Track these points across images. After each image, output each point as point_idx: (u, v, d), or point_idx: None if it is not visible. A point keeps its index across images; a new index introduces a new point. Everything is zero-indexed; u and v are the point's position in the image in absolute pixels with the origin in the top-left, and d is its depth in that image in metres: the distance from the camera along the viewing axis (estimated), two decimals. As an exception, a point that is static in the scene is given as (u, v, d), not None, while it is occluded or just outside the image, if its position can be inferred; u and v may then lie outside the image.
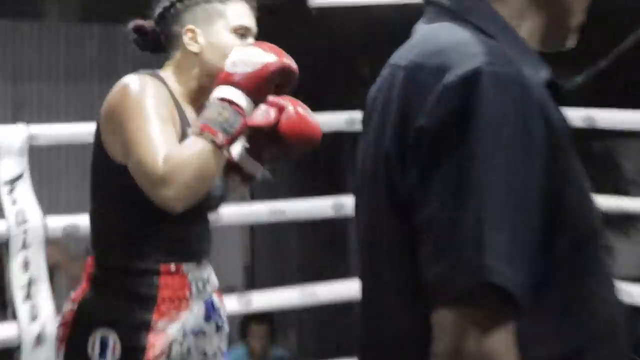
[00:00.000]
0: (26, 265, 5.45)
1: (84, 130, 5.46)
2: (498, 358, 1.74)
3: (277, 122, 3.80)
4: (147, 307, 3.56)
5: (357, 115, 5.99)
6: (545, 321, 1.88)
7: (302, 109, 3.82)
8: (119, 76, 4.95)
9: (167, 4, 3.67)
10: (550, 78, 1.96)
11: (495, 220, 1.76)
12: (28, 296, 5.45)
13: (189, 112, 3.59)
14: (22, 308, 5.40)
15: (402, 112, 1.86)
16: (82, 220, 5.28)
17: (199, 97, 3.61)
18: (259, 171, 3.90)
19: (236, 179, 3.90)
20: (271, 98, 3.69)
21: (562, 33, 2.08)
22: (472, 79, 1.76)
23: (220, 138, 3.32)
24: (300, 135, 3.85)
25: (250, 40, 3.68)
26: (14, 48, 10.02)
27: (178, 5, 3.66)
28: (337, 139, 7.59)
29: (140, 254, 3.61)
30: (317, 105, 4.33)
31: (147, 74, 3.56)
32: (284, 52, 3.54)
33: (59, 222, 5.66)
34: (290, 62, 3.51)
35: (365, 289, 2.05)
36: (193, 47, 3.58)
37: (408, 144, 1.82)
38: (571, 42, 2.10)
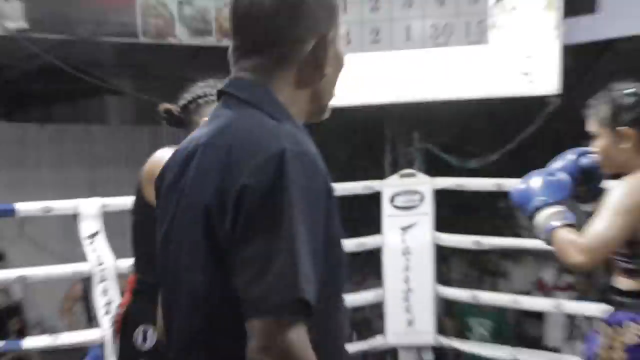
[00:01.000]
0: (105, 292, 6.24)
1: None
2: (298, 346, 2.09)
3: None
4: None
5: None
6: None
7: None
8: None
9: (190, 98, 4.12)
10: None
11: (302, 259, 2.08)
12: (107, 312, 6.16)
13: None
14: (103, 319, 6.20)
15: (223, 177, 2.14)
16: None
17: None
18: None
19: None
20: None
21: (319, 111, 2.43)
22: (282, 156, 2.08)
23: None
24: None
25: None
26: (88, 144, 11.08)
27: (199, 100, 4.11)
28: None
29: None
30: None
31: (170, 148, 3.98)
32: None
33: (126, 263, 5.98)
34: None
35: (170, 297, 2.43)
36: None
37: (228, 199, 2.11)
38: (325, 116, 2.48)
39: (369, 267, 8.60)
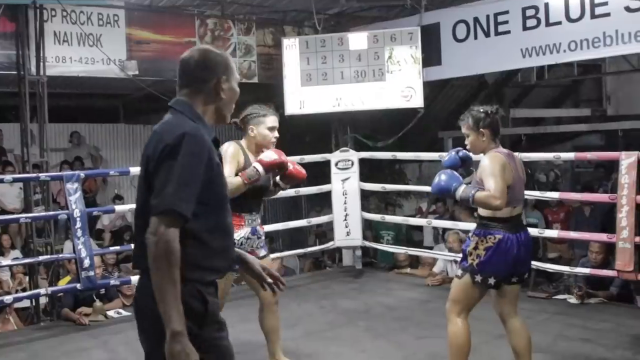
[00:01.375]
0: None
1: None
2: (170, 236, 2.20)
3: (287, 170, 4.29)
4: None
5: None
6: (198, 239, 2.33)
7: (295, 166, 4.36)
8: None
9: (243, 115, 4.33)
10: (214, 138, 2.45)
11: (182, 187, 2.24)
12: None
13: (251, 156, 4.24)
14: None
15: (156, 143, 2.32)
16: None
17: (254, 152, 4.28)
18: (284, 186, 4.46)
19: (275, 186, 4.44)
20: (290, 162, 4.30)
21: (222, 119, 2.53)
22: (184, 134, 2.29)
23: (246, 180, 4.07)
24: (295, 175, 4.36)
25: (275, 132, 4.32)
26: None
27: (247, 117, 4.32)
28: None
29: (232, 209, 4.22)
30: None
31: (234, 142, 4.31)
32: (283, 154, 4.20)
33: None
34: (283, 159, 4.16)
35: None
36: (252, 134, 4.31)
37: (156, 152, 2.29)
38: (226, 122, 2.60)
39: (325, 202, 8.71)
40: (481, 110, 3.88)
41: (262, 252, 4.43)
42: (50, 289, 6.12)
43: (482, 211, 3.88)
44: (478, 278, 3.84)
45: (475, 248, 3.86)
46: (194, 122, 2.39)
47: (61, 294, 6.26)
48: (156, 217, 2.23)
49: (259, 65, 8.48)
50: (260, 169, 4.07)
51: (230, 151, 4.17)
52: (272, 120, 4.31)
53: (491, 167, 3.73)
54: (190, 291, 2.32)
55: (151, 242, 2.22)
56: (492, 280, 3.84)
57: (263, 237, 4.47)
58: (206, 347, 2.34)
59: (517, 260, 3.83)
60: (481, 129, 3.85)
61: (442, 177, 3.88)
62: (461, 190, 3.78)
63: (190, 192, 2.28)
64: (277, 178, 4.38)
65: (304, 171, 4.42)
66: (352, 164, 7.72)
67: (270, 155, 4.12)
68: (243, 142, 4.31)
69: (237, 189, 4.01)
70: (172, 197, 2.24)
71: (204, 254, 2.37)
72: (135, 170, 6.61)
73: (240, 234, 4.19)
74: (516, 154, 4.01)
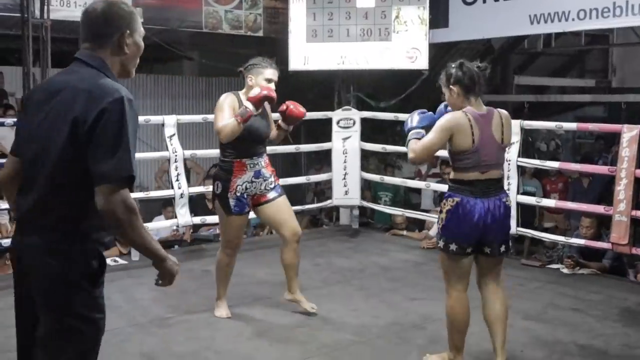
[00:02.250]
0: (176, 168, 6.56)
1: (198, 117, 7.12)
2: (129, 198, 2.24)
3: (287, 109, 4.55)
4: (230, 173, 4.50)
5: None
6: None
7: (295, 105, 4.57)
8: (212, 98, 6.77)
9: (246, 65, 4.57)
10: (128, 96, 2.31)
11: (131, 152, 2.24)
12: (177, 179, 6.54)
13: (247, 103, 4.37)
14: (175, 183, 6.56)
15: (87, 104, 2.23)
16: (201, 153, 7.18)
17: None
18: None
19: (279, 129, 4.70)
20: (289, 103, 4.57)
21: (126, 73, 2.46)
22: (123, 98, 2.26)
23: (238, 119, 4.27)
24: (295, 114, 4.55)
25: (273, 85, 4.49)
26: (171, 86, 11.24)
27: (248, 67, 4.54)
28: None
29: (229, 155, 4.51)
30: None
31: (232, 92, 4.59)
32: (270, 89, 4.39)
33: (187, 153, 6.72)
34: (266, 93, 4.34)
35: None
36: (250, 83, 4.50)
37: (90, 115, 2.20)
38: (131, 76, 2.51)
39: (325, 160, 8.78)
40: (453, 65, 3.72)
41: (273, 194, 4.64)
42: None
43: (451, 173, 3.76)
44: (441, 243, 3.72)
45: (441, 211, 3.74)
46: (110, 79, 2.36)
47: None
48: (114, 184, 2.23)
49: (264, 18, 8.41)
50: (249, 105, 4.28)
51: (226, 101, 4.43)
52: (271, 73, 4.49)
53: (437, 124, 3.62)
54: (92, 251, 2.36)
55: (114, 211, 2.23)
56: (453, 247, 3.65)
57: (271, 179, 4.63)
58: (97, 306, 2.39)
59: (478, 227, 3.60)
60: (451, 86, 3.67)
61: (411, 116, 3.82)
62: (411, 133, 3.73)
63: (133, 155, 2.29)
64: (280, 120, 4.64)
65: (303, 109, 4.59)
66: (354, 123, 7.70)
67: (255, 90, 4.34)
68: (242, 92, 4.54)
69: (232, 129, 4.28)
70: (127, 163, 2.25)
71: None
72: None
73: (243, 178, 4.47)
74: (501, 112, 3.73)
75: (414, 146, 3.65)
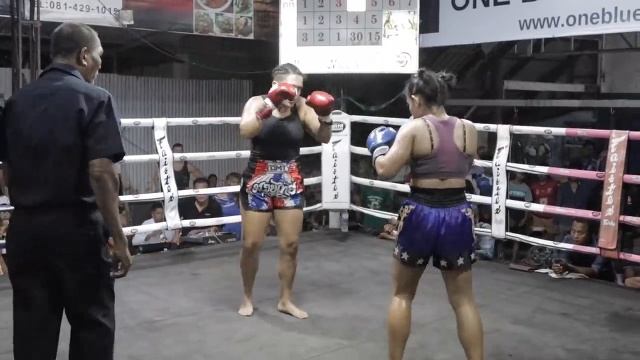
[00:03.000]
0: (166, 171, 6.49)
1: (188, 120, 7.30)
2: (115, 173, 2.76)
3: (310, 98, 4.48)
4: (252, 172, 4.65)
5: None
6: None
7: (320, 93, 4.50)
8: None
9: (273, 71, 4.69)
10: None
11: (119, 134, 2.82)
12: (167, 182, 6.48)
13: (266, 99, 4.46)
14: (165, 186, 6.52)
15: (86, 100, 2.80)
16: (190, 155, 7.35)
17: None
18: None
19: (322, 124, 4.60)
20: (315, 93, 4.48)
21: (92, 79, 3.03)
22: (108, 98, 2.85)
23: (258, 115, 4.39)
24: (315, 102, 4.46)
25: (296, 90, 4.52)
26: (162, 88, 11.02)
27: (274, 72, 4.65)
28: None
29: (254, 156, 4.67)
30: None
31: (260, 96, 4.66)
32: (288, 84, 4.44)
33: (177, 156, 6.84)
34: (284, 88, 4.39)
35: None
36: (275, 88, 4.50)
37: (92, 107, 2.78)
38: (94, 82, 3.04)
39: (314, 164, 8.62)
40: (415, 75, 3.66)
41: (290, 203, 4.74)
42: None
43: (410, 180, 3.66)
44: (396, 251, 3.63)
45: (399, 218, 3.64)
46: (87, 82, 2.99)
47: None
48: (107, 158, 2.77)
49: (255, 21, 8.37)
50: (267, 101, 4.38)
51: (253, 103, 4.57)
52: (293, 78, 4.56)
53: (398, 135, 3.55)
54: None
55: (106, 178, 2.76)
56: (405, 256, 3.58)
57: (293, 186, 4.70)
58: (108, 251, 2.95)
59: (430, 237, 3.51)
60: (412, 95, 3.62)
61: (373, 133, 3.76)
62: (375, 150, 3.68)
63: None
64: (320, 117, 4.56)
65: (325, 97, 4.50)
66: (344, 126, 7.69)
67: (274, 87, 4.45)
68: (266, 94, 4.57)
69: (252, 126, 4.44)
70: (119, 142, 2.83)
71: None
72: (126, 121, 6.55)
73: (262, 178, 4.61)
74: (464, 122, 3.64)
75: (381, 161, 3.60)
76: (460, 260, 3.58)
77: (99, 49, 3.08)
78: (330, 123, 4.65)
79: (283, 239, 4.78)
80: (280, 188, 4.66)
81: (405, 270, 3.63)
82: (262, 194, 4.65)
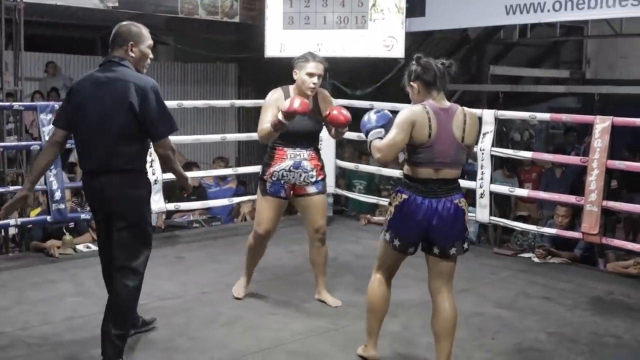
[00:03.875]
0: (150, 154, 5.28)
1: (173, 103, 7.30)
2: (172, 145, 3.59)
3: (329, 114, 4.44)
4: (272, 159, 4.57)
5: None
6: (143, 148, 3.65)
7: (339, 111, 4.45)
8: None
9: (294, 60, 4.56)
10: None
11: (170, 115, 3.55)
12: (152, 165, 6.36)
13: (280, 114, 4.30)
14: (149, 170, 6.25)
15: (137, 92, 3.45)
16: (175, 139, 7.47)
17: (299, 95, 4.41)
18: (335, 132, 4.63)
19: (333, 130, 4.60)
20: (333, 108, 4.48)
21: (143, 68, 3.68)
22: (154, 84, 3.51)
23: (272, 128, 4.31)
24: (334, 120, 4.44)
25: (316, 79, 4.48)
26: (147, 72, 11.61)
27: (294, 61, 4.53)
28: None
29: (274, 144, 4.55)
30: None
31: (281, 87, 4.61)
32: (305, 103, 4.28)
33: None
34: (295, 108, 4.23)
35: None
36: (295, 77, 4.52)
37: (142, 100, 3.43)
38: (142, 72, 3.64)
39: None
40: (413, 62, 3.55)
41: (312, 189, 4.65)
42: (20, 220, 6.07)
43: (405, 166, 3.57)
44: (387, 236, 3.62)
45: (390, 204, 3.61)
46: (138, 72, 3.62)
47: (30, 225, 6.23)
48: (166, 137, 3.56)
49: (241, 4, 8.41)
50: (282, 118, 4.27)
51: (272, 98, 4.53)
52: (313, 66, 4.47)
53: (397, 119, 3.46)
54: (147, 179, 3.72)
55: (169, 154, 3.62)
56: (396, 242, 3.59)
57: (313, 173, 4.60)
58: (151, 213, 4.00)
59: (421, 227, 3.49)
60: (411, 82, 3.54)
61: (368, 115, 3.68)
62: (371, 133, 3.59)
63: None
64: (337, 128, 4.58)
65: (346, 115, 4.44)
66: (330, 111, 7.69)
67: (286, 103, 4.28)
68: (292, 87, 4.57)
69: (267, 135, 4.42)
70: (171, 121, 3.59)
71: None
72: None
73: (281, 166, 4.53)
74: (466, 110, 3.56)
75: (378, 145, 3.50)
76: (453, 250, 3.56)
77: (147, 43, 3.71)
78: (345, 131, 4.65)
79: (310, 225, 4.73)
80: (300, 176, 4.57)
81: (393, 255, 3.65)
82: (282, 182, 4.57)
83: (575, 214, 6.33)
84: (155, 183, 6.51)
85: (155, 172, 6.52)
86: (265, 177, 4.61)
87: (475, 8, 7.58)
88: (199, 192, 8.05)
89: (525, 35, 10.52)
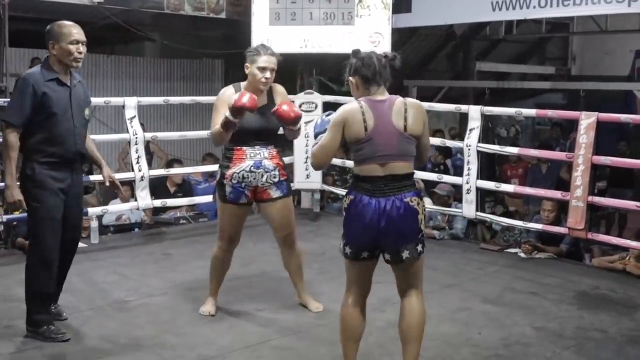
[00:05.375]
0: (137, 150, 6.46)
1: (159, 99, 7.28)
2: (12, 137, 3.86)
3: (277, 110, 4.10)
4: (230, 161, 4.28)
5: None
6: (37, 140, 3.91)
7: (289, 106, 4.16)
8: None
9: (245, 53, 4.30)
10: (54, 78, 3.92)
11: (14, 107, 3.90)
12: (138, 162, 6.44)
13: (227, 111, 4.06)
14: (135, 166, 6.47)
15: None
16: (162, 135, 7.36)
17: (252, 91, 4.16)
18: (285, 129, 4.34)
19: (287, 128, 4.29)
20: (282, 103, 4.14)
21: (65, 65, 3.94)
22: (23, 76, 3.92)
23: (222, 126, 4.05)
24: (282, 116, 4.10)
25: (268, 73, 4.23)
26: (132, 67, 11.02)
27: (245, 54, 4.28)
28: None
29: (230, 142, 4.26)
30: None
31: (232, 85, 4.38)
32: (253, 98, 4.01)
33: (148, 136, 6.80)
34: (243, 103, 3.98)
35: None
36: (246, 71, 4.27)
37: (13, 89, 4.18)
38: (69, 65, 3.95)
39: (286, 144, 7.97)
40: (353, 57, 3.38)
41: (276, 193, 4.38)
42: (5, 217, 6.04)
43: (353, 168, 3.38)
44: (340, 245, 3.38)
45: (343, 209, 3.37)
46: (40, 68, 3.97)
47: (15, 222, 6.21)
48: (5, 122, 3.97)
49: (227, 0, 8.33)
50: (229, 115, 4.03)
51: (221, 98, 4.27)
52: (264, 60, 4.23)
53: (331, 120, 3.30)
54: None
55: (4, 139, 3.99)
56: (348, 250, 3.34)
57: (275, 172, 4.34)
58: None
59: (370, 230, 3.23)
60: (350, 77, 3.38)
61: (321, 119, 3.47)
62: (317, 138, 3.38)
63: (19, 110, 3.91)
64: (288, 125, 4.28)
65: (296, 111, 4.19)
66: (316, 106, 7.68)
67: (235, 98, 4.03)
68: (243, 83, 4.34)
69: (219, 137, 4.17)
70: (12, 113, 3.98)
71: None
72: (96, 100, 6.48)
73: (241, 166, 4.25)
74: (407, 100, 3.34)
75: (313, 150, 3.35)
76: (405, 254, 3.29)
77: (68, 40, 3.94)
78: (298, 129, 4.35)
79: (277, 234, 4.50)
80: (262, 176, 4.29)
81: (351, 265, 3.39)
82: (243, 184, 4.29)
83: (561, 209, 6.34)
84: (142, 180, 6.48)
85: (141, 168, 6.49)
86: (224, 181, 4.32)
87: (461, 4, 7.58)
88: (185, 188, 8.02)
89: (511, 32, 10.60)
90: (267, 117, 4.27)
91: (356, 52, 3.40)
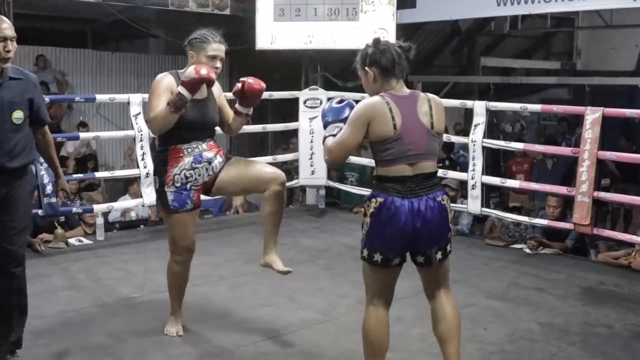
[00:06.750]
0: (142, 147, 6.41)
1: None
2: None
3: (244, 84, 3.85)
4: (166, 164, 3.82)
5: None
6: None
7: (254, 80, 3.87)
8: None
9: (186, 41, 3.81)
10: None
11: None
12: (143, 159, 6.42)
13: (181, 87, 3.60)
14: (141, 162, 6.45)
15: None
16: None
17: None
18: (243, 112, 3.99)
19: (237, 114, 4.01)
20: (248, 77, 3.86)
21: (2, 62, 3.50)
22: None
23: (171, 108, 3.59)
24: (253, 89, 3.87)
25: (218, 63, 3.81)
26: (137, 64, 11.10)
27: (190, 42, 3.79)
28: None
29: (163, 143, 3.85)
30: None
31: (169, 72, 3.83)
32: (209, 69, 3.64)
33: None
34: (207, 75, 3.60)
35: None
36: (191, 61, 3.77)
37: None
38: (6, 65, 3.52)
39: (292, 140, 8.74)
40: (369, 44, 3.16)
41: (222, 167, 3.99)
42: None
43: (375, 169, 3.14)
44: (365, 253, 3.14)
45: (364, 214, 3.13)
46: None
47: None
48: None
49: (231, -4, 8.36)
50: (183, 91, 3.59)
51: (162, 83, 3.75)
52: (215, 48, 3.81)
53: (351, 115, 3.06)
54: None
55: None
56: (377, 257, 3.09)
57: (217, 159, 3.93)
58: None
59: (406, 233, 3.02)
60: (366, 67, 3.12)
61: (327, 107, 3.29)
62: (328, 127, 3.17)
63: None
64: (237, 104, 3.97)
65: (262, 84, 3.92)
66: (321, 102, 7.67)
67: (190, 72, 3.62)
68: (182, 71, 3.80)
69: (164, 120, 3.66)
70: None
71: None
72: (101, 97, 6.59)
73: (181, 166, 3.82)
74: (429, 96, 3.16)
75: (330, 145, 3.09)
76: (439, 255, 3.15)
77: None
78: (248, 115, 4.02)
79: (263, 181, 3.88)
80: (206, 169, 3.89)
81: (380, 274, 3.15)
82: (188, 185, 3.85)
83: (566, 204, 6.32)
84: (147, 176, 6.47)
85: (147, 164, 6.47)
86: (165, 188, 3.85)
87: (467, 0, 7.56)
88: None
89: (516, 27, 10.56)
90: (206, 110, 3.90)
91: (377, 41, 3.17)
